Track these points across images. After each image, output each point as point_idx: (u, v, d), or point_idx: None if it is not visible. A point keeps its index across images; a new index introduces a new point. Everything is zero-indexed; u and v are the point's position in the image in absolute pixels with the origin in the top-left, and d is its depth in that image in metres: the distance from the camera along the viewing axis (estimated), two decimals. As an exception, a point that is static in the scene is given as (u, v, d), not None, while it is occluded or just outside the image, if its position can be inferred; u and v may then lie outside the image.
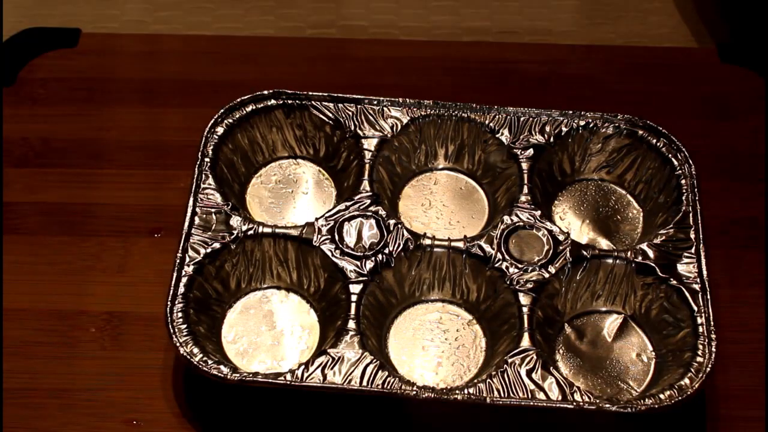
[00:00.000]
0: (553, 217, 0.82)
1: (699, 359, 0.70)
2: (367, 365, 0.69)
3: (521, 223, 0.77)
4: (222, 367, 0.69)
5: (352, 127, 0.82)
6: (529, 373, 0.70)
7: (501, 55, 0.99)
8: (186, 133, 0.81)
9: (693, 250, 0.76)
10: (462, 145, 0.84)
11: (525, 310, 0.73)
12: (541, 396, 0.69)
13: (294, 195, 0.83)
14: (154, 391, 0.75)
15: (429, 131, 0.83)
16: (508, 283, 0.74)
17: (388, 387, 0.69)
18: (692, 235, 0.76)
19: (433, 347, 0.76)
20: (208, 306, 0.75)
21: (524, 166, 0.80)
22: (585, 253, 0.76)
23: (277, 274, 0.78)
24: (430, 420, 0.73)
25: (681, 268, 0.75)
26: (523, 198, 0.79)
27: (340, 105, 0.82)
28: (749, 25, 1.08)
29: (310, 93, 0.83)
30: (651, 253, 0.76)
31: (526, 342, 0.71)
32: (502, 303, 0.75)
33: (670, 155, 0.81)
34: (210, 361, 0.70)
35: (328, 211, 0.77)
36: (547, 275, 0.75)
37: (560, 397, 0.68)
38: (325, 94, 0.83)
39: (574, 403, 0.68)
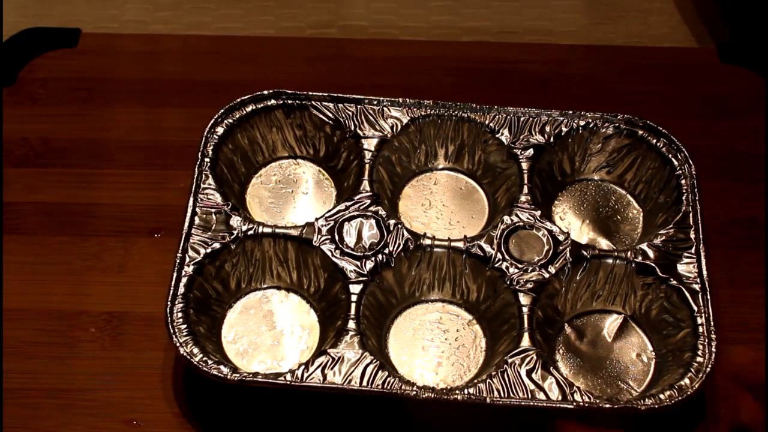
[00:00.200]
0: (553, 217, 0.82)
1: (699, 359, 0.70)
2: (367, 365, 0.69)
3: (521, 223, 0.77)
4: (222, 367, 0.69)
5: (352, 127, 0.82)
6: (529, 373, 0.69)
7: (501, 55, 0.99)
8: (186, 133, 0.81)
9: (693, 251, 0.76)
10: (462, 145, 0.84)
11: (525, 310, 0.73)
12: (541, 396, 0.69)
13: (294, 195, 0.83)
14: (154, 391, 0.75)
15: (429, 131, 0.83)
16: (508, 283, 0.74)
17: (388, 387, 0.68)
18: (692, 236, 0.76)
19: (433, 347, 0.76)
20: (208, 306, 0.75)
21: (524, 166, 0.80)
22: (585, 253, 0.76)
23: (277, 274, 0.78)
24: (430, 420, 0.73)
25: (681, 268, 0.75)
26: (523, 198, 0.79)
27: (340, 105, 0.82)
28: (749, 25, 1.08)
29: (310, 93, 0.83)
30: (651, 253, 0.76)
31: (526, 342, 0.71)
32: (502, 303, 0.75)
33: (670, 155, 0.81)
34: (210, 362, 0.69)
35: (328, 211, 0.77)
36: (547, 275, 0.75)
37: (560, 397, 0.68)
38: (325, 94, 0.83)
39: (574, 403, 0.68)
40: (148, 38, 1.02)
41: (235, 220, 0.76)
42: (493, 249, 0.76)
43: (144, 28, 1.11)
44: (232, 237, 0.76)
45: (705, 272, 0.75)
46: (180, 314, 0.72)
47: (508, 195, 0.81)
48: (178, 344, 0.70)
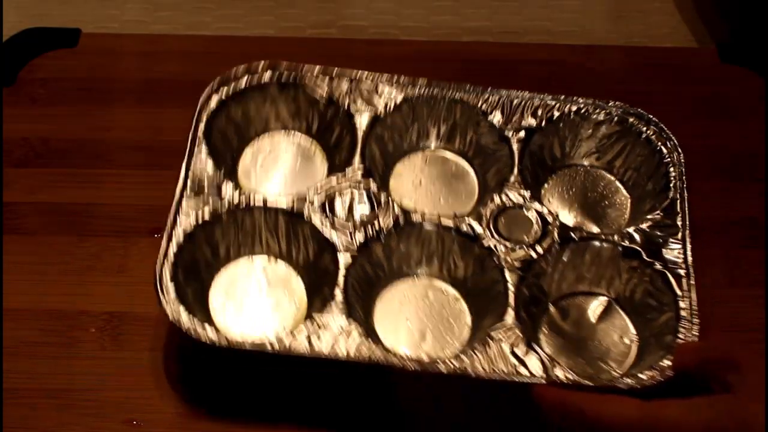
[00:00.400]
0: (541, 200, 0.83)
1: (680, 342, 0.70)
2: (352, 335, 0.70)
3: (511, 203, 0.78)
4: (209, 332, 0.70)
5: (346, 104, 0.82)
6: (512, 348, 0.70)
7: (501, 55, 0.99)
8: (186, 133, 0.81)
9: (679, 236, 0.76)
10: (454, 126, 0.85)
11: (511, 288, 0.74)
12: (523, 371, 0.69)
13: (286, 168, 0.84)
14: (155, 391, 0.75)
15: (422, 111, 0.84)
16: (495, 261, 0.75)
17: (373, 357, 0.69)
18: (679, 222, 0.77)
19: (419, 322, 0.77)
20: (198, 272, 0.76)
21: (515, 148, 0.81)
22: (573, 234, 0.77)
23: (267, 243, 0.79)
24: (413, 392, 0.74)
25: (666, 253, 0.76)
26: (513, 179, 0.79)
27: (334, 81, 0.83)
28: (749, 25, 1.08)
29: (305, 67, 0.83)
30: (637, 238, 0.77)
31: (510, 319, 0.72)
32: (489, 280, 0.76)
33: (659, 143, 0.82)
34: (197, 327, 0.70)
35: (320, 184, 0.78)
36: (534, 255, 0.75)
37: (542, 373, 0.69)
38: (320, 67, 0.83)
39: (556, 379, 0.69)
40: (148, 38, 1.02)
41: (227, 189, 0.77)
42: (482, 227, 0.76)
43: (144, 28, 1.11)
44: (223, 205, 0.76)
45: (690, 258, 0.75)
46: (169, 279, 0.72)
47: (498, 176, 0.82)
48: (166, 308, 0.70)
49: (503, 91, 0.83)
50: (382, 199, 0.78)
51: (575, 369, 0.72)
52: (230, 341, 0.70)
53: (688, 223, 0.77)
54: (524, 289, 0.74)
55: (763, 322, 0.80)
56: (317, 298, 0.75)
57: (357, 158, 0.80)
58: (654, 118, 0.82)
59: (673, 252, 0.76)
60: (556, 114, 0.83)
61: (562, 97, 0.83)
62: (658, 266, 0.75)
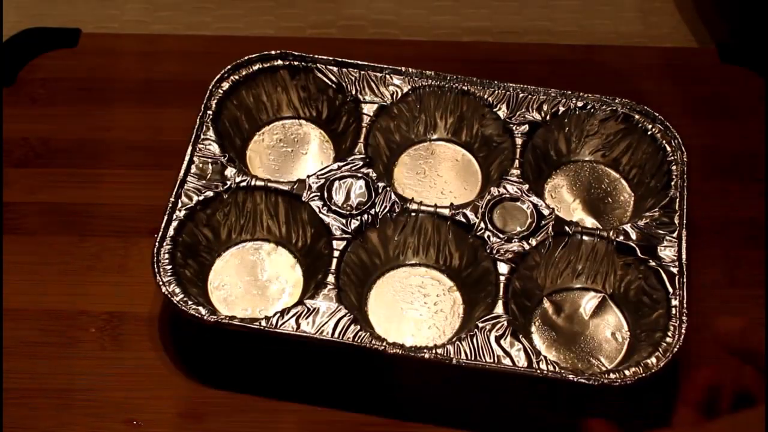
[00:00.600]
0: (544, 193, 0.84)
1: (668, 339, 0.71)
2: (341, 318, 0.71)
3: (507, 195, 0.78)
4: (201, 308, 0.71)
5: (354, 92, 0.84)
6: (498, 339, 0.71)
7: (501, 55, 0.99)
8: (186, 133, 0.81)
9: (675, 235, 0.76)
10: (461, 118, 0.86)
11: (502, 278, 0.74)
12: (507, 362, 0.70)
13: (294, 154, 0.85)
14: (155, 391, 0.75)
15: (429, 102, 0.85)
16: (488, 251, 0.75)
17: (358, 341, 0.70)
18: (676, 220, 0.77)
19: (412, 311, 0.77)
20: (197, 252, 0.77)
21: (518, 141, 0.82)
22: (567, 228, 0.77)
23: (267, 227, 0.80)
24: (402, 380, 0.75)
25: (661, 250, 0.76)
26: (513, 171, 0.80)
27: (343, 69, 0.85)
28: (749, 25, 1.07)
29: (316, 56, 0.85)
30: (633, 234, 0.77)
31: (499, 309, 0.73)
32: (482, 271, 0.76)
33: (663, 141, 0.82)
34: (189, 302, 0.71)
35: (321, 170, 0.79)
36: (527, 247, 0.76)
37: (526, 365, 0.69)
38: (330, 58, 0.85)
39: (538, 371, 0.69)
40: (148, 38, 1.02)
41: (230, 172, 0.78)
42: (477, 218, 0.77)
43: (144, 28, 1.11)
44: (226, 187, 0.78)
45: (684, 256, 0.75)
46: (167, 255, 0.74)
47: (500, 168, 0.83)
48: (161, 283, 0.72)
49: (510, 85, 0.84)
50: (380, 186, 0.79)
51: (564, 364, 0.73)
52: (220, 320, 0.71)
53: (685, 221, 0.77)
54: (516, 280, 0.75)
55: (764, 322, 0.80)
56: (313, 282, 0.76)
57: (360, 145, 0.81)
58: (660, 116, 0.83)
59: (668, 250, 0.76)
60: (562, 109, 0.83)
61: (569, 92, 0.84)
62: (652, 263, 0.75)
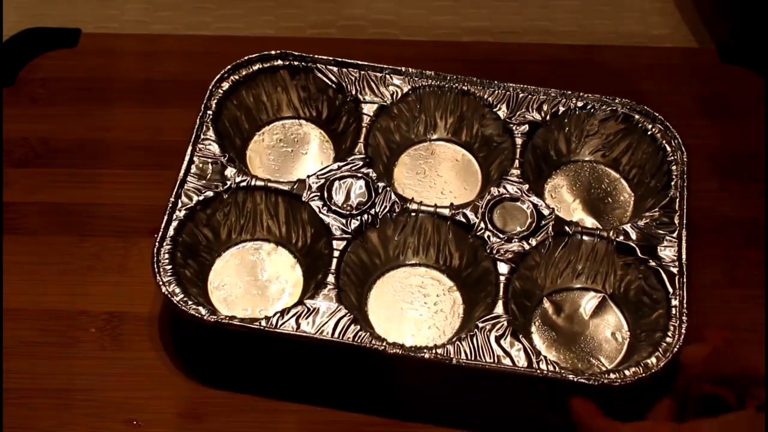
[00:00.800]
0: (544, 193, 0.84)
1: (668, 339, 0.71)
2: (341, 318, 0.71)
3: (507, 195, 0.78)
4: (201, 308, 0.71)
5: (354, 92, 0.84)
6: (498, 339, 0.71)
7: (501, 55, 0.99)
8: (186, 133, 0.81)
9: (675, 235, 0.76)
10: (461, 118, 0.86)
11: (502, 279, 0.74)
12: (507, 362, 0.70)
13: (294, 154, 0.86)
14: (155, 391, 0.75)
15: (429, 102, 0.85)
16: (488, 251, 0.75)
17: (358, 341, 0.70)
18: (676, 220, 0.77)
19: (412, 311, 0.77)
20: (197, 252, 0.77)
21: (518, 141, 0.82)
22: (567, 229, 0.77)
23: (267, 227, 0.80)
24: (403, 380, 0.75)
25: (661, 250, 0.76)
26: (513, 171, 0.80)
27: (343, 69, 0.85)
28: (749, 25, 1.07)
29: (316, 56, 0.85)
30: (633, 234, 0.77)
31: (499, 309, 0.73)
32: (482, 271, 0.76)
33: (663, 141, 0.82)
34: (189, 302, 0.71)
35: (321, 170, 0.79)
36: (527, 247, 0.76)
37: (526, 365, 0.70)
38: (330, 58, 0.85)
39: (538, 371, 0.69)
40: (148, 38, 1.02)
41: (230, 172, 0.78)
42: (477, 218, 0.77)
43: (144, 28, 1.11)
44: (226, 187, 0.78)
45: (684, 256, 0.75)
46: (167, 255, 0.74)
47: (500, 168, 0.83)
48: (161, 283, 0.72)
49: (510, 85, 0.84)
50: (380, 186, 0.79)
51: (564, 364, 0.73)
52: (220, 319, 0.71)
53: (685, 221, 0.77)
54: (516, 280, 0.75)
55: (763, 322, 0.80)
56: (313, 282, 0.76)
57: (360, 145, 0.81)
58: (660, 116, 0.83)
59: (668, 250, 0.76)
60: (562, 109, 0.83)
61: (569, 92, 0.84)
62: (652, 263, 0.75)
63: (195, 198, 0.77)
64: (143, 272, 0.75)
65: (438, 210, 0.78)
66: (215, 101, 0.82)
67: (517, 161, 0.81)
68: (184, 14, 1.13)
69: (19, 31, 0.99)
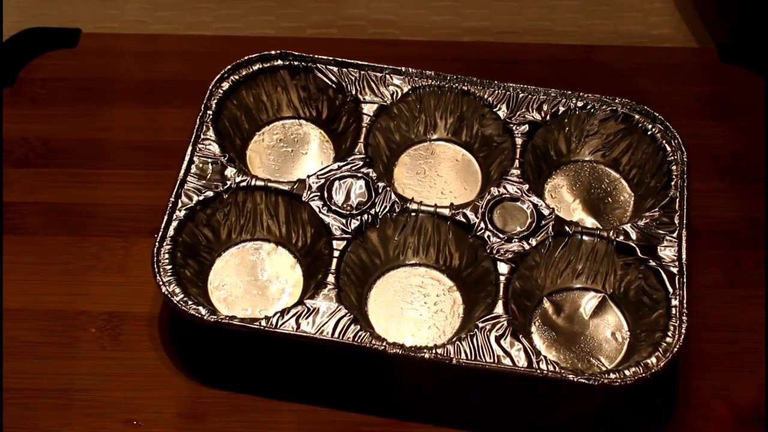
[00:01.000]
0: (544, 193, 0.84)
1: (668, 339, 0.71)
2: (341, 318, 0.72)
3: (507, 195, 0.78)
4: (201, 308, 0.71)
5: (354, 92, 0.84)
6: (498, 339, 0.71)
7: (501, 55, 0.99)
8: (186, 133, 0.81)
9: (675, 235, 0.76)
10: (461, 118, 0.86)
11: (502, 278, 0.74)
12: (507, 362, 0.70)
13: (294, 154, 0.86)
14: (155, 391, 0.75)
15: (429, 102, 0.85)
16: (488, 251, 0.75)
17: (358, 341, 0.70)
18: (676, 220, 0.77)
19: (412, 311, 0.77)
20: (197, 252, 0.77)
21: (518, 141, 0.82)
22: (567, 228, 0.77)
23: (267, 227, 0.80)
24: (404, 380, 0.75)
25: (661, 250, 0.76)
26: (513, 171, 0.80)
27: (344, 69, 0.85)
28: (749, 25, 1.07)
29: (316, 56, 0.85)
30: (633, 234, 0.77)
31: (499, 309, 0.73)
32: (482, 271, 0.76)
33: (663, 141, 0.82)
34: (189, 302, 0.71)
35: (321, 170, 0.79)
36: (527, 247, 0.76)
37: (526, 365, 0.69)
38: (330, 58, 0.85)
39: (538, 371, 0.69)
40: (148, 38, 1.02)
41: (230, 172, 0.79)
42: (477, 218, 0.77)
43: (144, 28, 1.11)
44: (226, 187, 0.78)
45: (684, 256, 0.75)
46: (167, 255, 0.74)
47: (500, 168, 0.83)
48: (161, 283, 0.72)
49: (510, 85, 0.84)
50: (380, 186, 0.79)
51: (564, 364, 0.73)
52: (220, 319, 0.71)
53: (685, 221, 0.77)
54: (516, 280, 0.75)
55: (763, 322, 0.80)
56: (313, 282, 0.76)
57: (360, 145, 0.81)
58: (660, 116, 0.83)
59: (668, 250, 0.76)
60: (562, 109, 0.83)
61: (569, 92, 0.84)
62: (652, 263, 0.75)
63: (195, 198, 0.77)
64: (143, 272, 0.76)
65: (438, 210, 0.78)
66: (215, 101, 0.82)
67: (517, 161, 0.81)
68: (184, 14, 1.13)
69: (19, 31, 0.99)
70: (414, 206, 0.78)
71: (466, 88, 0.84)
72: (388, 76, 0.85)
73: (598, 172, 0.86)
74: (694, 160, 0.81)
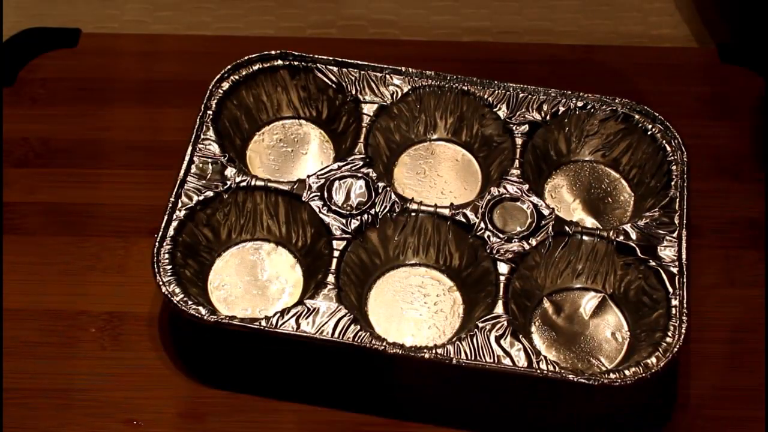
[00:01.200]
0: (544, 193, 0.84)
1: (668, 339, 0.71)
2: (341, 318, 0.72)
3: (507, 195, 0.78)
4: (201, 308, 0.71)
5: (354, 92, 0.84)
6: (498, 339, 0.71)
7: (501, 55, 0.99)
8: (186, 133, 0.81)
9: (675, 234, 0.76)
10: (461, 118, 0.86)
11: (502, 278, 0.74)
12: (507, 362, 0.70)
13: (294, 154, 0.86)
14: (155, 391, 0.75)
15: (429, 102, 0.85)
16: (488, 251, 0.76)
17: (358, 341, 0.70)
18: (676, 220, 0.77)
19: (412, 311, 0.77)
20: (197, 252, 0.77)
21: (518, 141, 0.82)
22: (567, 228, 0.77)
23: (267, 227, 0.80)
24: (403, 380, 0.75)
25: (661, 250, 0.76)
26: (513, 171, 0.80)
27: (343, 69, 0.85)
28: (749, 25, 1.08)
29: (316, 56, 0.85)
30: (633, 234, 0.77)
31: (499, 309, 0.73)
32: (482, 271, 0.76)
33: (663, 141, 0.82)
34: (189, 302, 0.72)
35: (321, 170, 0.79)
36: (527, 247, 0.76)
37: (526, 365, 0.70)
38: (330, 58, 0.85)
39: (538, 371, 0.69)
40: (148, 38, 1.02)
41: (230, 171, 0.79)
42: (477, 217, 0.77)
43: (144, 28, 1.11)
44: (226, 187, 0.78)
45: (684, 256, 0.75)
46: (167, 255, 0.74)
47: (500, 168, 0.83)
48: (161, 283, 0.72)
49: (510, 85, 0.84)
50: (380, 186, 0.79)
51: (564, 364, 0.73)
52: (220, 319, 0.71)
53: (685, 221, 0.77)
54: (516, 280, 0.75)
55: (763, 323, 0.80)
56: (313, 282, 0.77)
57: (360, 145, 0.81)
58: (660, 116, 0.83)
59: (668, 250, 0.76)
60: (562, 109, 0.83)
61: (569, 92, 0.84)
62: (652, 263, 0.75)
63: (195, 198, 0.77)
64: (143, 272, 0.76)
65: (438, 210, 0.78)
66: (215, 101, 0.82)
67: (517, 161, 0.81)
68: (184, 14, 1.13)
69: (19, 31, 0.99)
70: (414, 206, 0.78)
71: (466, 88, 0.84)
72: (388, 76, 0.85)
73: (598, 172, 0.86)
74: (694, 160, 0.81)
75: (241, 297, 0.78)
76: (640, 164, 0.84)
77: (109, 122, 0.91)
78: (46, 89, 0.94)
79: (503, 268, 0.75)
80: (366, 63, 0.85)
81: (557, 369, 0.70)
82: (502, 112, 0.83)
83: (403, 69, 0.85)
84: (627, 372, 0.69)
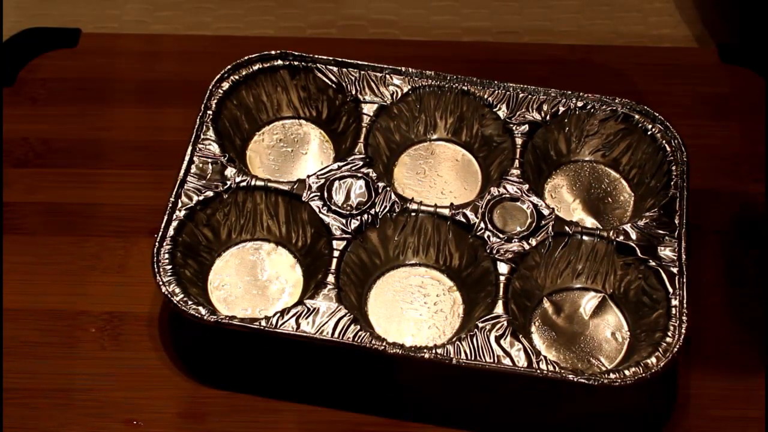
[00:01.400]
0: (544, 193, 0.84)
1: (668, 339, 0.71)
2: (341, 318, 0.72)
3: (507, 195, 0.78)
4: (201, 308, 0.71)
5: (354, 92, 0.84)
6: (498, 339, 0.71)
7: (501, 55, 0.99)
8: (186, 133, 0.81)
9: (675, 235, 0.76)
10: (461, 118, 0.86)
11: (502, 279, 0.74)
12: (507, 362, 0.70)
13: (294, 154, 0.86)
14: (155, 391, 0.76)
15: (429, 102, 0.85)
16: (488, 251, 0.76)
17: (358, 341, 0.70)
18: (676, 220, 0.77)
19: (412, 311, 0.77)
20: (197, 252, 0.77)
21: (518, 141, 0.82)
22: (567, 228, 0.77)
23: (267, 227, 0.80)
24: (403, 380, 0.75)
25: (661, 250, 0.76)
26: (513, 171, 0.80)
27: (343, 69, 0.85)
28: (749, 25, 1.08)
29: (316, 56, 0.85)
30: (633, 234, 0.77)
31: (499, 309, 0.73)
32: (482, 271, 0.76)
33: (663, 141, 0.82)
34: (189, 302, 0.72)
35: (321, 170, 0.79)
36: (527, 247, 0.76)
37: (526, 365, 0.70)
38: (330, 58, 0.85)
39: (538, 371, 0.69)
40: (148, 38, 1.02)
41: (230, 172, 0.79)
42: (477, 218, 0.77)
43: (144, 28, 1.11)
44: (226, 187, 0.78)
45: (684, 256, 0.75)
46: (167, 255, 0.74)
47: (500, 168, 0.83)
48: (161, 283, 0.72)
49: (510, 85, 0.84)
50: (380, 186, 0.79)
51: (564, 364, 0.73)
52: (220, 319, 0.71)
53: (685, 221, 0.77)
54: (516, 280, 0.75)
55: (763, 322, 0.80)
56: (313, 282, 0.77)
57: (360, 145, 0.81)
58: (660, 116, 0.83)
59: (668, 250, 0.76)
60: (562, 109, 0.83)
61: (569, 92, 0.84)
62: (652, 263, 0.75)
63: (195, 198, 0.77)
64: (143, 272, 0.76)
65: (438, 210, 0.78)
66: (215, 101, 0.82)
67: (517, 161, 0.81)
68: (184, 14, 1.13)
69: (19, 31, 0.99)
70: (414, 206, 0.78)
71: (466, 88, 0.84)
72: (388, 76, 0.85)
73: (598, 172, 0.86)
74: (694, 160, 0.81)
75: (241, 297, 0.78)
76: (640, 164, 0.84)
77: (109, 122, 0.91)
78: (46, 89, 0.94)
79: (503, 268, 0.75)
80: (366, 63, 0.85)
81: (557, 369, 0.70)
82: (502, 112, 0.83)
83: (403, 69, 0.85)
84: (627, 372, 0.69)
